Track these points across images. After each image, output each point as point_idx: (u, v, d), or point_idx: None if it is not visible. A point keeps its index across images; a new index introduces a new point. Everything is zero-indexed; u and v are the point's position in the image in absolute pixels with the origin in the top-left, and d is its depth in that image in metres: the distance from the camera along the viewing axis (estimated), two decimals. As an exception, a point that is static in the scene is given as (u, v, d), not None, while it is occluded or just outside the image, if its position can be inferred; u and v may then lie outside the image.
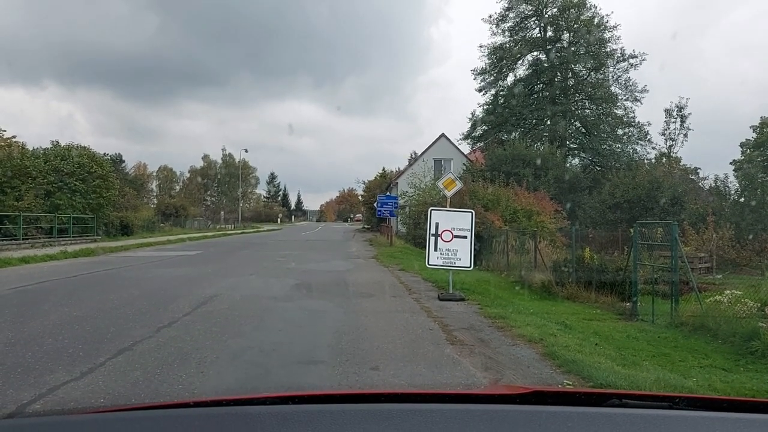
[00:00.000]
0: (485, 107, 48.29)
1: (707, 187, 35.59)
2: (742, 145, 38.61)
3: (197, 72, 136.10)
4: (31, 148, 28.65)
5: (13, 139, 27.42)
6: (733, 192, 32.55)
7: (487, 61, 48.03)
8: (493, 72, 47.79)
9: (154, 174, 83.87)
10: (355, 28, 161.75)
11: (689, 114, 43.97)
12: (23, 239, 22.18)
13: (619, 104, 45.82)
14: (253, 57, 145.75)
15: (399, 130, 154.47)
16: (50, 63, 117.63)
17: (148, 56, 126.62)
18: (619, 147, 45.51)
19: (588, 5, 45.35)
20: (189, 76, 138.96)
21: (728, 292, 9.98)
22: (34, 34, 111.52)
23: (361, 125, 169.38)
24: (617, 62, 45.53)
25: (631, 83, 45.58)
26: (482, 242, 19.22)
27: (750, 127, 37.76)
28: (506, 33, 47.50)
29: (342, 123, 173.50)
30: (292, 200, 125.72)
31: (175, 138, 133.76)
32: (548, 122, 46.42)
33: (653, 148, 45.77)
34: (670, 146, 44.83)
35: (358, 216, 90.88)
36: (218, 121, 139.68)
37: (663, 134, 44.89)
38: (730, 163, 38.48)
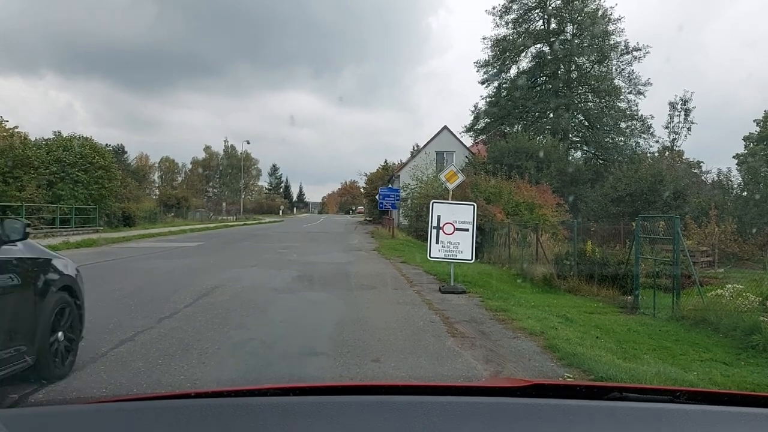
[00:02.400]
0: (488, 99, 48.17)
1: (710, 180, 35.59)
2: (745, 138, 38.56)
3: (196, 62, 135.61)
4: (33, 139, 28.69)
5: (15, 130, 27.45)
6: (736, 186, 32.54)
7: (490, 53, 47.82)
8: (496, 64, 47.58)
9: (156, 165, 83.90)
10: (352, 17, 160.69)
11: (693, 107, 43.85)
12: (25, 230, 22.21)
13: (622, 97, 45.59)
14: (252, 47, 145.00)
15: (399, 121, 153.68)
16: (48, 52, 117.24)
17: (146, 46, 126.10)
18: (621, 140, 45.34)
19: (592, -3, 45.09)
20: (188, 65, 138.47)
21: (730, 286, 9.98)
22: (31, 23, 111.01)
23: (361, 116, 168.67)
24: (621, 55, 45.27)
25: (634, 76, 45.37)
26: (484, 235, 19.21)
27: (754, 121, 37.73)
28: (509, 25, 47.23)
29: (342, 114, 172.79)
30: (294, 192, 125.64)
31: (175, 129, 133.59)
32: (551, 115, 46.28)
33: (656, 141, 45.69)
34: (674, 140, 44.73)
35: (360, 208, 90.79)
36: (218, 112, 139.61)
37: (666, 127, 44.79)
38: (734, 157, 38.53)
